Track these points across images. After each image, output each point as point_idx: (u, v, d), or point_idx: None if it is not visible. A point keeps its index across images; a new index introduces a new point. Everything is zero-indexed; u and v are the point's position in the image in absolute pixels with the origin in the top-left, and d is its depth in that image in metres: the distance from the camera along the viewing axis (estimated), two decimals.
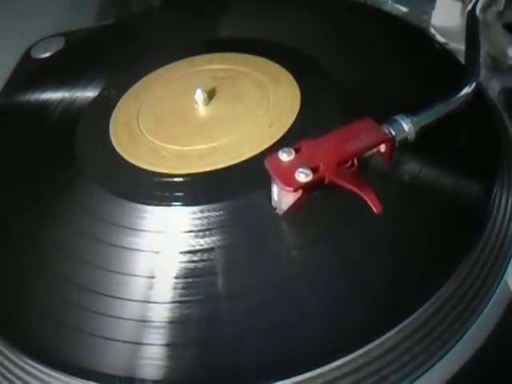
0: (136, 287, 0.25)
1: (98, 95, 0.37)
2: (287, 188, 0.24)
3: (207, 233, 0.26)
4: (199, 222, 0.27)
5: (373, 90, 0.32)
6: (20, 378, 0.24)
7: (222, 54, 0.38)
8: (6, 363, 0.25)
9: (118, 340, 0.23)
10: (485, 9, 0.38)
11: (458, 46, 0.37)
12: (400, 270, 0.24)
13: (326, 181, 0.25)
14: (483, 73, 0.34)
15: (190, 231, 0.27)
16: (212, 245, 0.26)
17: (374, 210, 0.23)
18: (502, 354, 0.24)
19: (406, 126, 0.27)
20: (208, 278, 0.25)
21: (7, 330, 0.25)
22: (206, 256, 0.26)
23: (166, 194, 0.28)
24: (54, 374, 0.23)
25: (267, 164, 0.26)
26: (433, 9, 0.41)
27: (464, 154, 0.29)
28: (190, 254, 0.26)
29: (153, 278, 0.26)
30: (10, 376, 0.25)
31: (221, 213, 0.27)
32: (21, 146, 0.35)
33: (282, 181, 0.25)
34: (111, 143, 0.33)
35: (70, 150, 0.33)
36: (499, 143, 0.29)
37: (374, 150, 0.27)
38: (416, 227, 0.26)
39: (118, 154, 0.32)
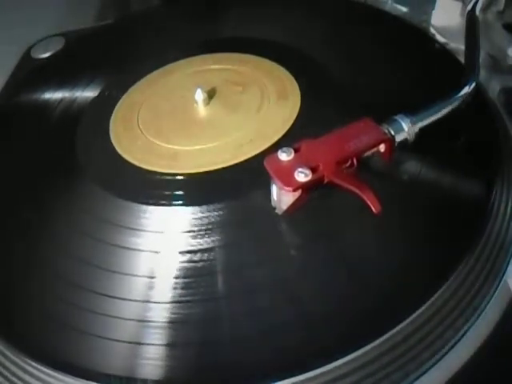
0: (136, 287, 0.25)
1: (98, 95, 0.37)
2: (286, 188, 0.24)
3: (207, 233, 0.26)
4: (199, 221, 0.27)
5: (372, 90, 0.32)
6: (20, 379, 0.24)
7: (222, 54, 0.38)
8: (7, 363, 0.25)
9: (118, 340, 0.23)
10: (485, 9, 0.38)
11: (458, 46, 0.37)
12: (400, 270, 0.24)
13: (326, 180, 0.25)
14: (483, 73, 0.34)
15: (190, 231, 0.27)
16: (212, 245, 0.26)
17: (373, 209, 0.23)
18: (502, 353, 0.24)
19: (406, 126, 0.27)
20: (208, 278, 0.25)
21: (8, 330, 0.25)
22: (205, 256, 0.26)
23: (166, 194, 0.28)
24: (54, 374, 0.23)
25: (266, 164, 0.26)
26: (433, 9, 0.41)
27: (464, 154, 0.29)
28: (189, 254, 0.26)
29: (153, 278, 0.26)
30: (10, 376, 0.25)
31: (221, 213, 0.27)
32: (21, 146, 0.35)
33: (282, 180, 0.25)
34: (111, 143, 0.33)
35: (70, 150, 0.33)
36: (499, 143, 0.29)
37: (374, 149, 0.27)
38: (416, 227, 0.26)
39: (118, 154, 0.32)
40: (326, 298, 0.24)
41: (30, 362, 0.24)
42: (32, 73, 0.42)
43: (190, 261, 0.26)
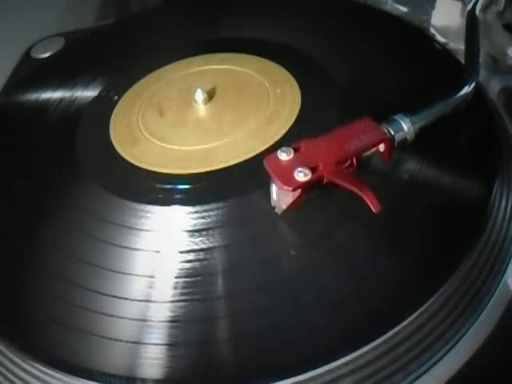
0: (136, 287, 0.25)
1: (98, 95, 0.37)
2: (286, 187, 0.24)
3: (207, 233, 0.26)
4: (199, 221, 0.27)
5: (372, 90, 0.32)
6: (20, 378, 0.24)
7: (222, 54, 0.38)
8: (7, 363, 0.25)
9: (118, 340, 0.23)
10: (485, 9, 0.38)
11: (458, 46, 0.37)
12: (400, 270, 0.24)
13: (325, 180, 0.25)
14: (483, 73, 0.34)
15: (190, 231, 0.27)
16: (212, 244, 0.26)
17: (373, 209, 0.23)
18: (502, 353, 0.24)
19: (406, 126, 0.27)
20: (208, 277, 0.25)
21: (7, 330, 0.25)
22: (206, 256, 0.26)
23: (166, 194, 0.29)
24: (54, 373, 0.23)
25: (266, 163, 0.26)
26: (433, 9, 0.41)
27: (464, 153, 0.29)
28: (190, 254, 0.26)
29: (153, 277, 0.26)
30: (10, 376, 0.25)
31: (221, 212, 0.27)
32: (21, 146, 0.35)
33: (281, 180, 0.25)
34: (111, 143, 0.33)
35: (70, 150, 0.33)
36: (499, 143, 0.29)
37: (373, 149, 0.27)
38: (416, 227, 0.26)
39: (118, 154, 0.32)
40: (326, 297, 0.24)
41: (29, 361, 0.24)
42: (32, 73, 0.42)
43: (190, 260, 0.26)
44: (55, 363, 0.23)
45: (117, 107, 0.36)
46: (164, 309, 0.24)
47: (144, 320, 0.24)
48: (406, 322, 0.22)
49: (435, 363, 0.23)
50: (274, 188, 0.26)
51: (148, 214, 0.28)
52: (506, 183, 0.28)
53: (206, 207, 0.27)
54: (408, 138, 0.27)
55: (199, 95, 0.33)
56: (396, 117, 0.27)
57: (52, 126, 0.36)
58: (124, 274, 0.26)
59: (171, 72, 0.38)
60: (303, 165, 0.25)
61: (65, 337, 0.24)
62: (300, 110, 0.32)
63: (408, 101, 0.30)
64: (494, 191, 0.27)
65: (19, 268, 0.28)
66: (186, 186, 0.29)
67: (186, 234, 0.27)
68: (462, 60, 0.33)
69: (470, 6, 0.36)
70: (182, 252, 0.26)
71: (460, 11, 0.40)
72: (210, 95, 0.34)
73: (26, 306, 0.26)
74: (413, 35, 0.38)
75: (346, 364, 0.22)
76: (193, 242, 0.26)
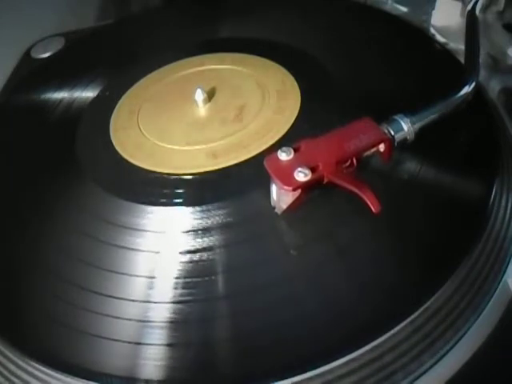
0: (136, 287, 0.25)
1: (98, 95, 0.37)
2: (286, 187, 0.24)
3: (207, 233, 0.26)
4: (199, 221, 0.27)
5: (372, 90, 0.32)
6: (20, 378, 0.24)
7: (222, 54, 0.38)
8: (7, 363, 0.25)
9: (118, 340, 0.23)
10: (485, 9, 0.38)
11: (458, 46, 0.37)
12: (400, 270, 0.24)
13: (325, 180, 0.25)
14: (483, 73, 0.34)
15: (190, 231, 0.27)
16: (212, 245, 0.26)
17: (373, 209, 0.23)
18: (502, 353, 0.24)
19: (406, 126, 0.27)
20: (208, 277, 0.25)
21: (7, 330, 0.25)
22: (206, 256, 0.26)
23: (167, 194, 0.28)
24: (54, 374, 0.23)
25: (266, 163, 0.26)
26: (433, 9, 0.41)
27: (464, 153, 0.29)
28: (190, 254, 0.26)
29: (153, 278, 0.26)
30: (10, 376, 0.25)
31: (221, 213, 0.27)
32: (21, 146, 0.35)
33: (281, 180, 0.25)
34: (111, 143, 0.33)
35: (70, 150, 0.33)
36: (499, 143, 0.29)
37: (373, 149, 0.27)
38: (416, 227, 0.26)
39: (118, 154, 0.32)
40: (326, 297, 0.24)
41: (30, 361, 0.24)
42: (32, 73, 0.42)
43: (190, 261, 0.26)
44: (55, 364, 0.23)
45: (117, 107, 0.36)
46: (164, 309, 0.24)
47: (144, 320, 0.24)
48: (406, 322, 0.22)
49: (435, 363, 0.23)
50: (274, 188, 0.26)
51: (148, 215, 0.28)
52: (506, 183, 0.28)
53: (206, 207, 0.27)
54: (408, 138, 0.27)
55: (199, 95, 0.33)
56: (396, 117, 0.27)
57: (52, 126, 0.36)
58: (124, 274, 0.26)
59: (171, 72, 0.38)
60: (303, 165, 0.25)
61: (65, 337, 0.24)
62: (300, 110, 0.32)
63: (408, 101, 0.30)
64: (493, 191, 0.27)
65: (19, 268, 0.28)
66: (186, 186, 0.29)
67: (186, 235, 0.27)
68: (462, 60, 0.33)
69: (469, 6, 0.37)
70: (181, 252, 0.26)
71: (460, 11, 0.40)
72: (210, 95, 0.34)
73: (27, 307, 0.26)
74: (413, 35, 0.38)
75: (346, 364, 0.22)
76: (193, 243, 0.26)
